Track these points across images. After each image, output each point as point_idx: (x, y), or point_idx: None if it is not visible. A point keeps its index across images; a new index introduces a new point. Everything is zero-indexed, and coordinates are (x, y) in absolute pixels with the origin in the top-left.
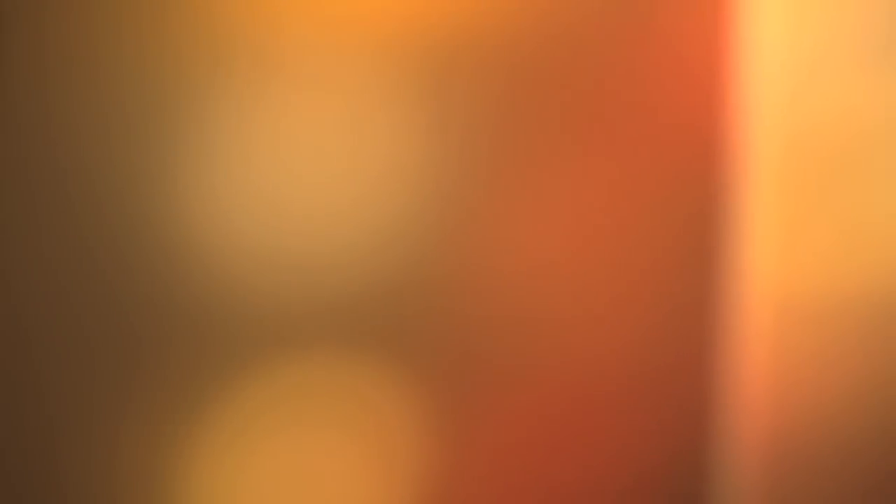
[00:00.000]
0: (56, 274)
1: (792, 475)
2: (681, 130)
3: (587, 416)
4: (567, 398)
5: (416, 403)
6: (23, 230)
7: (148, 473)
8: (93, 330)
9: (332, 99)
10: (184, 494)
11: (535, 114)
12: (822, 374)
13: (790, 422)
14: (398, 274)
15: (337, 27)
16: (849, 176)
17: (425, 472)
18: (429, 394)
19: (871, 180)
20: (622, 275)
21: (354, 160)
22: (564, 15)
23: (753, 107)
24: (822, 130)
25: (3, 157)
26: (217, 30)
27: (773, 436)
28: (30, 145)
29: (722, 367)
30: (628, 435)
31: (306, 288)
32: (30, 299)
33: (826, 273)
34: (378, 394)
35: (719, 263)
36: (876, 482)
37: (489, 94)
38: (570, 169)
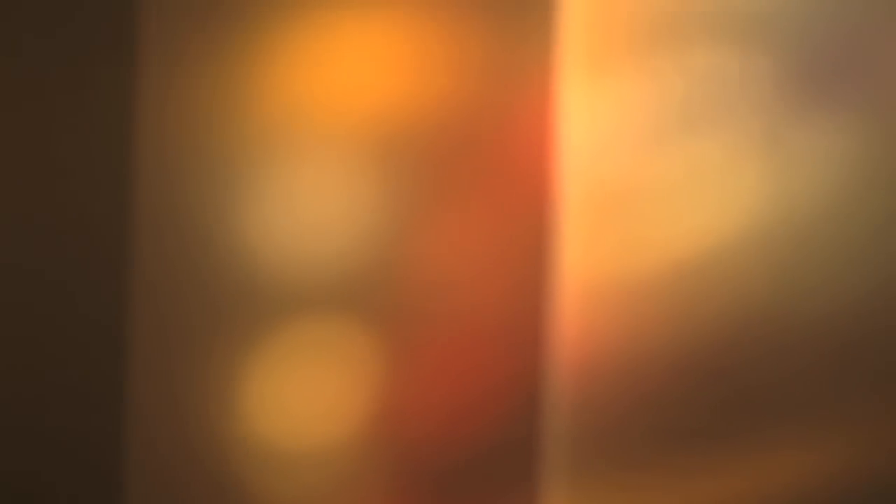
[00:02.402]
0: (180, 265)
1: (597, 394)
2: (524, 182)
3: (467, 351)
4: (456, 341)
5: (376, 345)
6: (164, 238)
7: (227, 390)
8: (196, 298)
9: (332, 165)
10: (247, 400)
11: (443, 175)
12: (614, 328)
13: (595, 358)
14: (368, 270)
15: (334, 125)
16: (630, 206)
17: (380, 384)
18: (383, 339)
19: (645, 209)
20: (487, 267)
21: (344, 199)
22: (455, 115)
23: (568, 165)
24: (613, 178)
25: (152, 195)
26: (267, 125)
27: (584, 367)
28: (167, 186)
29: (549, 321)
30: (490, 364)
31: (315, 278)
32: (167, 278)
33: (615, 264)
34: (354, 340)
35: (547, 259)
36: (660, 406)
37: (416, 165)
38: (458, 207)
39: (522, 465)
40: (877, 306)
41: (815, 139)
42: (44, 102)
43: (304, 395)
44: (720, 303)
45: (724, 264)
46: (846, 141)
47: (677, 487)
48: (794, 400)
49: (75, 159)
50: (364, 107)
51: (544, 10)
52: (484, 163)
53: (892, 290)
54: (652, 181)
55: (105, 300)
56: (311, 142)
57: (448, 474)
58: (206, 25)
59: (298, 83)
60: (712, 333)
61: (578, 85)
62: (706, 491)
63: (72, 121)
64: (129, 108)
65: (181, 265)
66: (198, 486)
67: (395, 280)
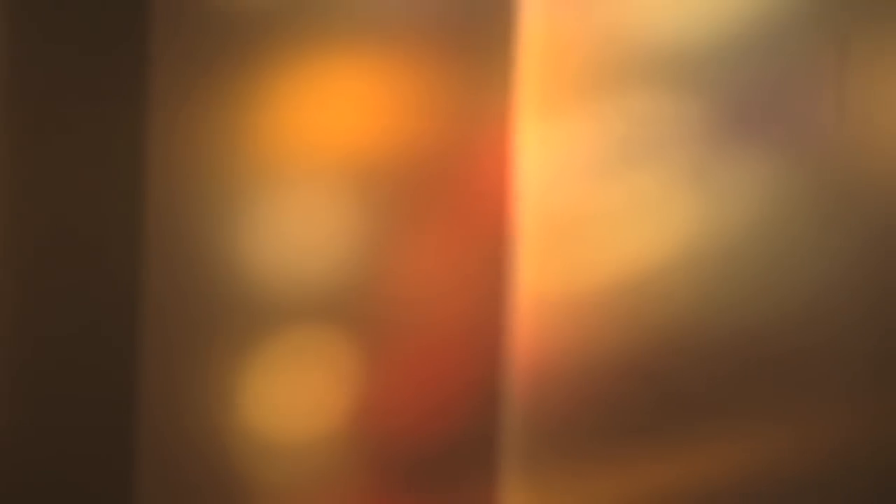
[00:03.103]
0: (185, 281)
1: (548, 395)
2: (485, 209)
3: (434, 357)
4: (425, 348)
5: (355, 351)
6: (171, 258)
7: (226, 390)
8: (199, 310)
9: (317, 195)
10: (244, 399)
11: (414, 204)
12: (564, 337)
13: (546, 364)
14: (349, 286)
15: (319, 160)
16: (578, 231)
17: (358, 385)
18: (361, 346)
19: (591, 234)
20: (453, 284)
21: (327, 225)
22: (425, 152)
23: (523, 195)
24: (562, 206)
25: (166, 217)
26: (261, 160)
27: (536, 372)
28: (173, 212)
29: (506, 332)
30: (455, 369)
31: (302, 292)
32: (173, 292)
33: (565, 282)
34: (336, 347)
35: (504, 277)
36: (604, 405)
37: (391, 195)
38: (427, 231)
39: (483, 457)
40: (792, 318)
41: (739, 173)
42: (68, 140)
43: (293, 395)
44: (656, 315)
45: (660, 282)
46: (765, 175)
47: (619, 475)
48: (720, 399)
49: (94, 189)
50: (345, 145)
51: (503, 61)
52: (450, 193)
53: (805, 304)
54: (597, 209)
55: (119, 312)
56: (300, 175)
57: (418, 463)
58: (208, 74)
59: (289, 124)
60: (650, 342)
61: (532, 125)
62: (644, 478)
63: (91, 155)
64: (141, 145)
65: (186, 281)
66: (199, 472)
67: (372, 294)
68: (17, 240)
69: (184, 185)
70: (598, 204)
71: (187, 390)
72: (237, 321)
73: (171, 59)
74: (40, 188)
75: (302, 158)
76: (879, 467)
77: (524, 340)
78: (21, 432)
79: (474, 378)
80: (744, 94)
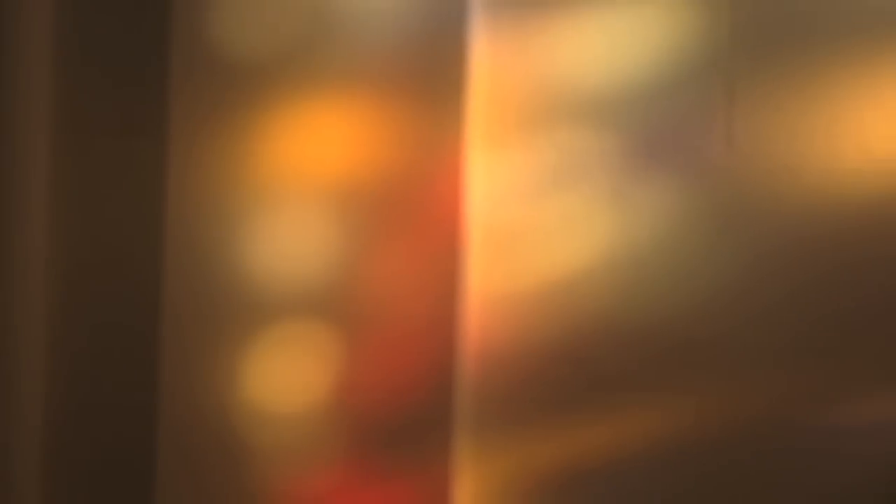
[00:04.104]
0: (198, 282)
1: (494, 376)
2: (441, 224)
3: (401, 345)
4: (394, 337)
5: (337, 340)
6: (187, 263)
7: (232, 372)
8: (210, 305)
9: (306, 212)
10: (246, 379)
11: (383, 219)
12: (507, 329)
13: (492, 351)
14: (331, 286)
15: (307, 183)
16: (518, 243)
17: (340, 368)
18: (342, 336)
19: (530, 245)
20: (416, 285)
21: (314, 237)
22: (392, 177)
23: (473, 213)
24: (506, 222)
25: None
26: (261, 184)
27: (484, 357)
28: (189, 227)
29: (460, 325)
30: (417, 354)
31: (294, 291)
32: (188, 292)
33: (508, 284)
34: (321, 336)
35: (458, 280)
36: (539, 383)
37: (364, 211)
38: (394, 242)
39: (440, 425)
40: (691, 312)
41: (648, 195)
42: (101, 167)
43: (286, 374)
44: (583, 310)
45: (585, 283)
46: (673, 196)
47: (552, 440)
48: (634, 378)
49: (122, 207)
50: (328, 172)
51: (455, 104)
52: (413, 211)
53: (702, 301)
54: (533, 224)
55: (143, 309)
56: (292, 196)
57: (387, 430)
58: (217, 113)
59: (282, 154)
60: (577, 332)
61: (480, 156)
62: (573, 442)
63: (121, 180)
64: (162, 172)
65: (199, 283)
66: (209, 437)
67: (350, 294)
68: (59, 249)
69: (197, 204)
70: (535, 220)
71: (200, 371)
72: (240, 315)
73: (186, 102)
74: (77, 207)
75: (293, 182)
76: (763, 434)
77: (474, 331)
78: (59, 408)
79: (433, 361)
80: (651, 130)
